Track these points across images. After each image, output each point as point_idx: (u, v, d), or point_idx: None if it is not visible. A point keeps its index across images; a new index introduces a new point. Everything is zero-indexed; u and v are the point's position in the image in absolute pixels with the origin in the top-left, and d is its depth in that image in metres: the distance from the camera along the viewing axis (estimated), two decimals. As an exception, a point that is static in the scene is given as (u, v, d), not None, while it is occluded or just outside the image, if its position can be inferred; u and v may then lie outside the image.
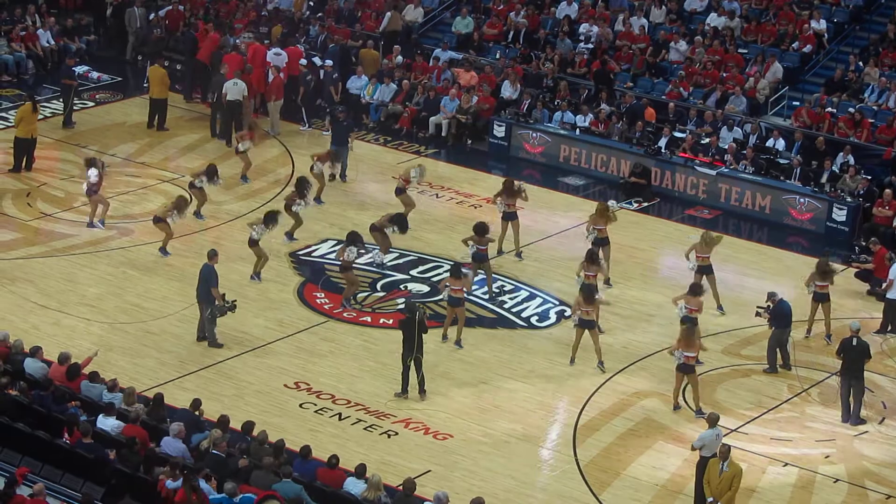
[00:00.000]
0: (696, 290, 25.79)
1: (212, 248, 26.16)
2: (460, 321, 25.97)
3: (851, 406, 24.04)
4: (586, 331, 25.22)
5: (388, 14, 40.28)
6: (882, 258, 28.65)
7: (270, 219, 27.74)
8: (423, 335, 23.98)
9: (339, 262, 27.26)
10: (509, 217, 29.21)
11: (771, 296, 25.64)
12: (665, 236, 31.40)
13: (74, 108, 35.92)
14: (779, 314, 25.43)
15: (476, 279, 27.61)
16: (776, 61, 36.28)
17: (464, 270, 26.32)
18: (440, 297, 26.51)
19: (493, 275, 28.17)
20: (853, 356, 23.96)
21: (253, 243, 27.66)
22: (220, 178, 30.38)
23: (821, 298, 26.60)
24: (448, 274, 26.24)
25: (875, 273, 28.72)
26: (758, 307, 25.86)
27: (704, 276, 27.05)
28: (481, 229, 27.61)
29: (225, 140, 34.97)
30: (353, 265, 27.14)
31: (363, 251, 27.64)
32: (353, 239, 27.08)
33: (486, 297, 27.69)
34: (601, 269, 26.85)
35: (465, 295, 26.06)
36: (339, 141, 32.90)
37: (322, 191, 31.56)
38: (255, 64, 36.01)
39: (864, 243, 30.43)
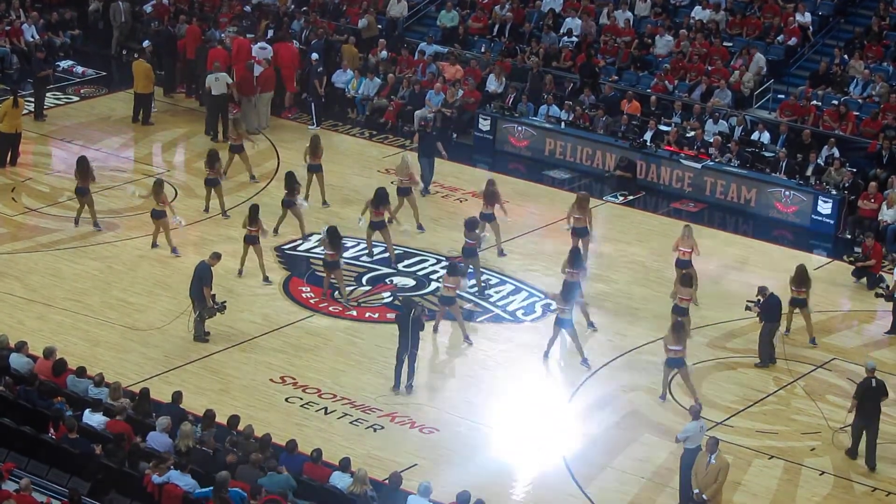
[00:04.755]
0: (685, 280, 25.81)
1: (216, 251, 26.07)
2: (458, 318, 25.93)
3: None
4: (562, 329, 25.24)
5: (364, 20, 39.87)
6: (879, 253, 28.55)
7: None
8: (420, 331, 24.01)
9: (326, 261, 27.16)
10: (487, 219, 29.04)
11: (761, 290, 25.62)
12: (650, 230, 31.39)
13: (46, 103, 35.91)
14: (769, 308, 25.44)
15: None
16: (759, 54, 36.28)
17: (466, 270, 26.40)
18: (427, 290, 26.46)
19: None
20: (873, 398, 22.78)
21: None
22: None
23: (798, 304, 26.43)
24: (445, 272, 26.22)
25: (872, 269, 28.59)
26: (748, 301, 25.86)
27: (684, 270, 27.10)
28: (471, 224, 27.61)
29: (211, 134, 34.86)
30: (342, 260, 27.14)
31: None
32: (333, 235, 26.96)
33: (475, 289, 27.65)
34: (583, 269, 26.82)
35: (457, 293, 26.07)
36: (426, 152, 32.15)
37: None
38: (239, 58, 35.89)
39: (849, 236, 30.41)
